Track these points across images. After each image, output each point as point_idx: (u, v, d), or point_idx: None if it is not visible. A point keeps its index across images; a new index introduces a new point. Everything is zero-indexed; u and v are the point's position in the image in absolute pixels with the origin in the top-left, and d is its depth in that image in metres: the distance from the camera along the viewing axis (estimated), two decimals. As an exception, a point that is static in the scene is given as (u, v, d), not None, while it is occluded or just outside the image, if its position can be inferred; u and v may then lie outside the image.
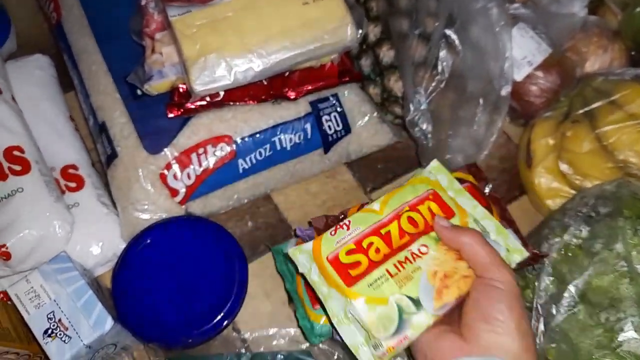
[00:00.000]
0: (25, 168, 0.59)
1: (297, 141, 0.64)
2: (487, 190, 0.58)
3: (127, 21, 0.61)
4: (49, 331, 0.51)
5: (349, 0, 0.59)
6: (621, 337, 0.47)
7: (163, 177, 0.61)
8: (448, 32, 0.61)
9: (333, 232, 0.46)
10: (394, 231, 0.46)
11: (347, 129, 0.67)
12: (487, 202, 0.55)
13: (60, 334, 0.51)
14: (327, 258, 0.45)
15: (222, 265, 0.59)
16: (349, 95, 0.67)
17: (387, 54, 0.64)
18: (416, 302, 0.42)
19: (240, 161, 0.62)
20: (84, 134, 0.70)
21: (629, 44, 0.72)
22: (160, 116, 0.60)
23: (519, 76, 0.67)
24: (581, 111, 0.66)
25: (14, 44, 0.78)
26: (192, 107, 0.59)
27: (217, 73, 0.55)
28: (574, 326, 0.46)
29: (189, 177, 0.61)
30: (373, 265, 0.44)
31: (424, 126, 0.63)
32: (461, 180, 0.55)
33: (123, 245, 0.61)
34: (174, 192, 0.61)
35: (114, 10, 0.65)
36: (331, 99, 0.66)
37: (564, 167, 0.66)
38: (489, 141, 0.68)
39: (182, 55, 0.55)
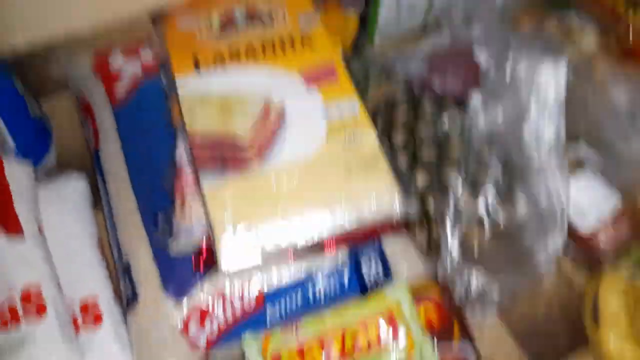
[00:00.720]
0: (40, 311, 0.55)
1: (332, 289, 0.59)
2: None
3: (165, 171, 0.59)
4: None
5: (395, 166, 0.55)
6: None
7: (184, 328, 0.55)
8: (497, 183, 0.55)
9: (283, 332, 0.54)
10: (336, 344, 0.52)
11: (387, 273, 0.61)
12: (449, 317, 0.56)
13: None
14: (272, 355, 0.52)
15: None
16: (393, 241, 0.61)
17: (434, 205, 0.58)
18: None
19: (269, 312, 0.57)
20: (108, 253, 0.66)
21: None
22: (186, 263, 0.56)
23: (584, 228, 0.60)
24: (661, 264, 0.59)
25: (54, 157, 0.77)
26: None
27: (247, 249, 0.52)
28: None
29: (211, 327, 0.56)
30: None
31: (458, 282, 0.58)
32: (425, 293, 0.56)
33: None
34: (194, 343, 0.56)
35: (154, 156, 0.62)
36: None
37: (640, 334, 0.57)
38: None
39: (211, 223, 0.52)
